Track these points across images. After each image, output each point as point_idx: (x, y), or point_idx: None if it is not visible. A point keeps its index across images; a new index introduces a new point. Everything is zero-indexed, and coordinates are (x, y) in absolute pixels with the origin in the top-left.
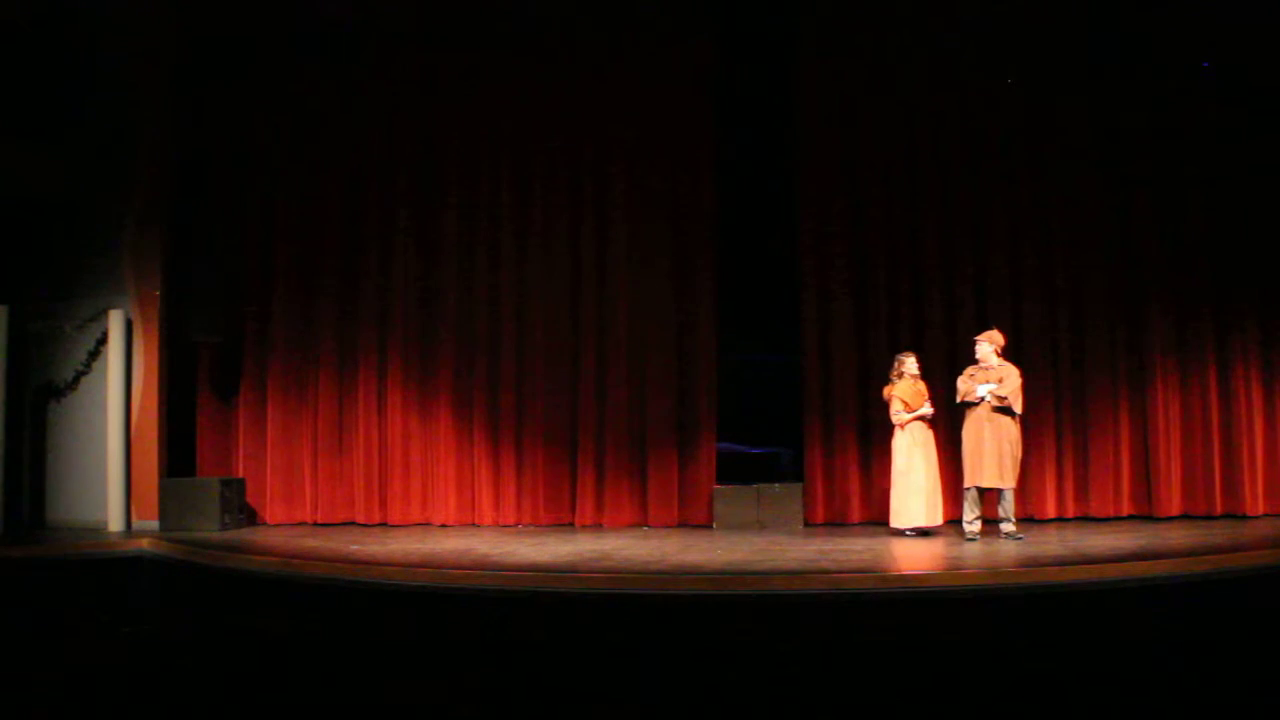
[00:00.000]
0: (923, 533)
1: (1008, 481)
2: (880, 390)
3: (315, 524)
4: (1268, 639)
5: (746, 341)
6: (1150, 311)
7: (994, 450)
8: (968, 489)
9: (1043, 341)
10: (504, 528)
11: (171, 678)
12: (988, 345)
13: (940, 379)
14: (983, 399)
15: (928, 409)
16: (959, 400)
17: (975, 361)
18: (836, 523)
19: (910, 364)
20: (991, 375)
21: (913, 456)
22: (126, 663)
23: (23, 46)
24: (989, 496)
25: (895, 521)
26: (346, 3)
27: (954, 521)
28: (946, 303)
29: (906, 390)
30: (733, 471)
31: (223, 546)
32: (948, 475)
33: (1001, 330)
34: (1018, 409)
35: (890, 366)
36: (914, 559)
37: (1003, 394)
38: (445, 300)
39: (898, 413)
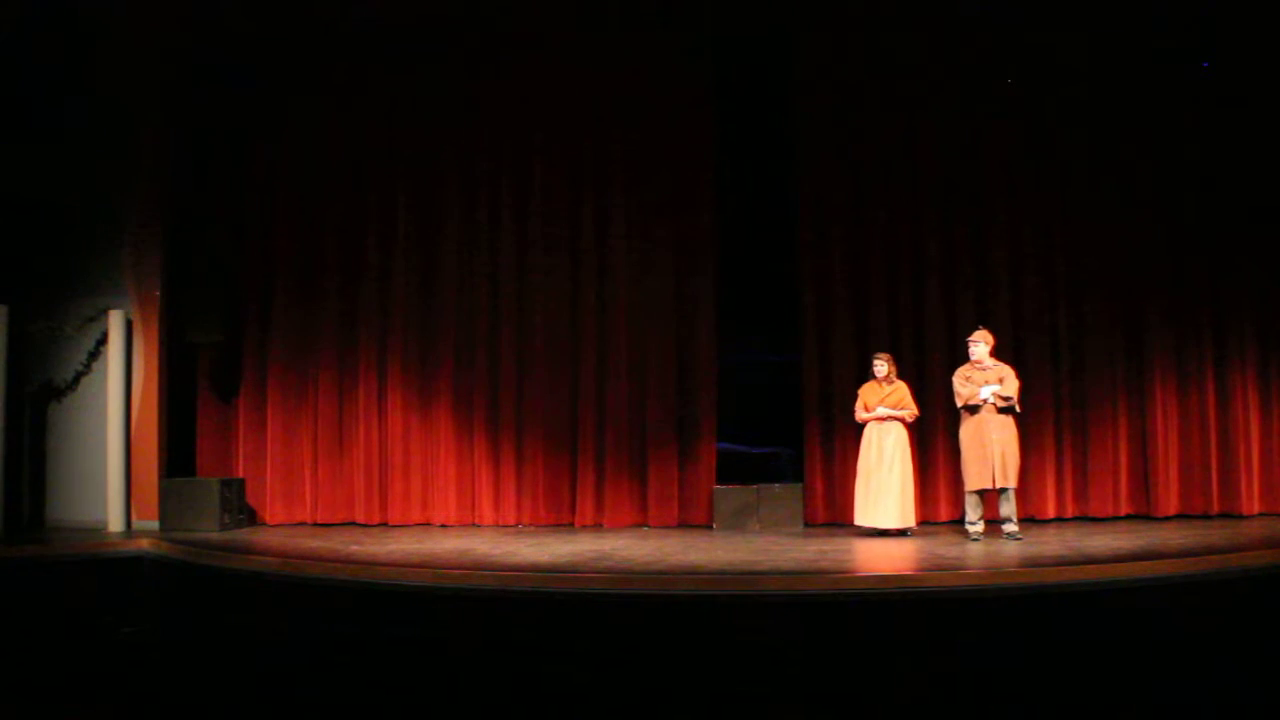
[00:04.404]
0: (873, 532)
1: (1013, 481)
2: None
3: (315, 524)
4: (1267, 639)
5: (746, 341)
6: (1149, 313)
7: (1000, 451)
8: (972, 491)
9: (1042, 343)
10: (504, 528)
11: (171, 678)
12: (984, 345)
13: (941, 380)
14: (986, 401)
15: (881, 411)
16: (961, 404)
17: (969, 361)
18: (836, 523)
19: (877, 366)
20: (990, 375)
21: (860, 456)
22: (126, 663)
23: (24, 46)
24: (989, 498)
25: None
26: (346, 4)
27: (955, 522)
28: (946, 303)
29: (868, 391)
30: (733, 471)
31: (223, 546)
32: (938, 477)
33: (992, 331)
34: (1018, 408)
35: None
36: (913, 559)
37: (1008, 394)
38: (445, 300)
39: (857, 410)
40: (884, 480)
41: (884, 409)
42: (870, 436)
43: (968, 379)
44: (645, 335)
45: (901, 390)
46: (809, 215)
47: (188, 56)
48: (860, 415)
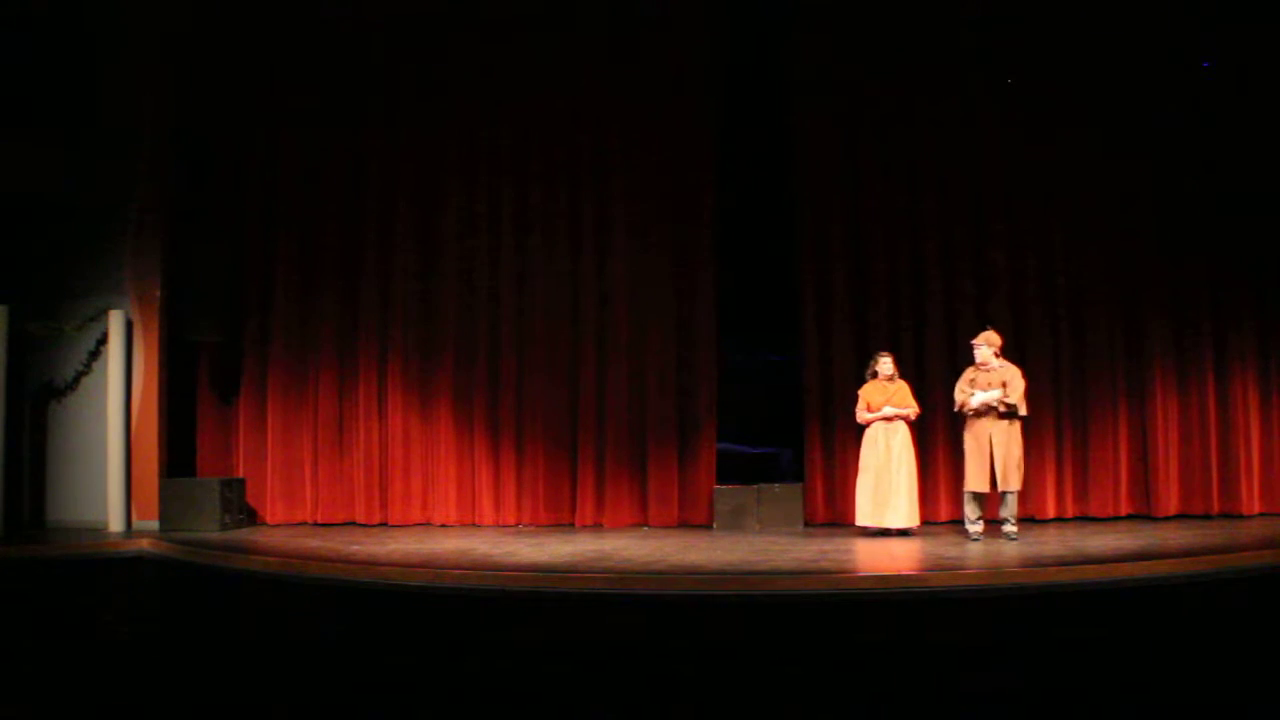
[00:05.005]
0: (878, 532)
1: (1015, 484)
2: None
3: (315, 524)
4: (1267, 639)
5: (746, 341)
6: (1149, 315)
7: (1002, 454)
8: (970, 492)
9: (1043, 344)
10: (504, 528)
11: (170, 678)
12: (987, 348)
13: (941, 380)
14: (975, 408)
15: (888, 411)
16: (956, 410)
17: (973, 363)
18: (836, 523)
19: (883, 364)
20: (994, 377)
21: (864, 456)
22: (126, 663)
23: (25, 46)
24: (990, 498)
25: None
26: (347, 4)
27: (955, 522)
28: (946, 303)
29: (872, 391)
30: (733, 471)
31: (223, 546)
32: (938, 477)
33: (999, 331)
34: (1023, 411)
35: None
36: (914, 559)
37: (1012, 401)
38: (445, 300)
39: (859, 411)
40: (893, 480)
41: (890, 408)
42: (876, 436)
43: (971, 381)
44: (645, 335)
45: (905, 389)
46: (809, 215)
47: (188, 56)
48: (863, 416)
